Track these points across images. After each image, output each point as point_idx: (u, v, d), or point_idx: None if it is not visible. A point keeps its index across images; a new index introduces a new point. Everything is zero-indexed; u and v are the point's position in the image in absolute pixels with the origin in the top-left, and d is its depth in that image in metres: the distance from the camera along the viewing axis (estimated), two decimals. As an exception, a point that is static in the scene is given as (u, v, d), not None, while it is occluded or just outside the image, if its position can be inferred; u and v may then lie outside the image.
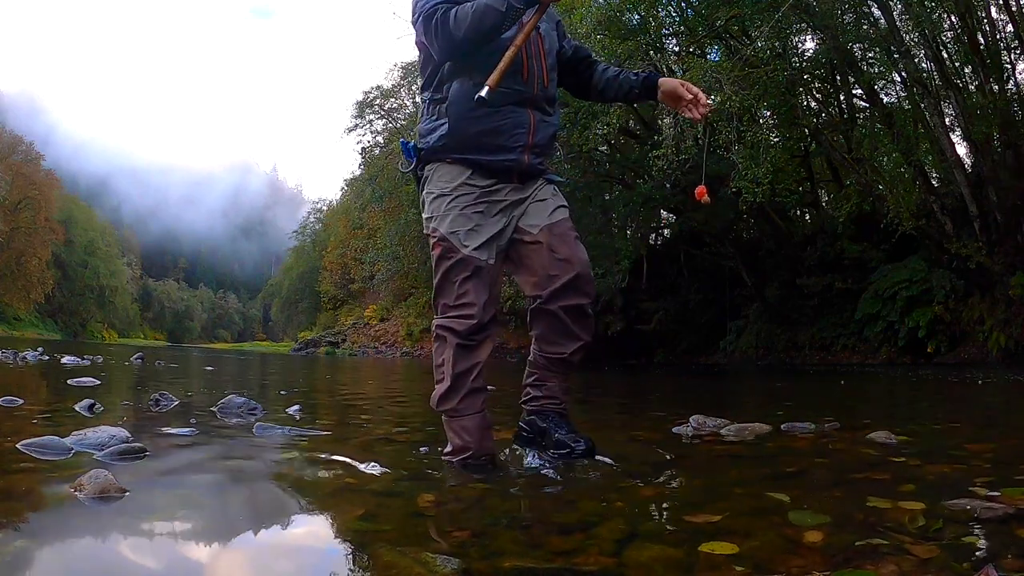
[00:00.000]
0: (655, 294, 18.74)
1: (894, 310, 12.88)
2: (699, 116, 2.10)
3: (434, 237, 1.99)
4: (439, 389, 1.97)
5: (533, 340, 2.09)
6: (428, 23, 1.91)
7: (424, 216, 2.06)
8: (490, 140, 1.97)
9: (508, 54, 1.86)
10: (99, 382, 4.55)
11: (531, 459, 2.00)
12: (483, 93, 1.84)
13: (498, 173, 2.00)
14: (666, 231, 22.58)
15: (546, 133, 2.05)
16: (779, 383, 8.09)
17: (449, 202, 1.97)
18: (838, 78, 15.18)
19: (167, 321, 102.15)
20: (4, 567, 1.02)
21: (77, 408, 2.91)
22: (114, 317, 71.15)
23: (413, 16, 2.00)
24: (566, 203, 2.13)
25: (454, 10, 1.88)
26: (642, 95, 2.21)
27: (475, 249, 1.94)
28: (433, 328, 2.01)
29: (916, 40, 12.58)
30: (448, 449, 1.99)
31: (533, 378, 2.10)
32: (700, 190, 2.23)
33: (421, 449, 2.23)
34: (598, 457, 1.96)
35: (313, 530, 1.34)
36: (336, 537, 1.28)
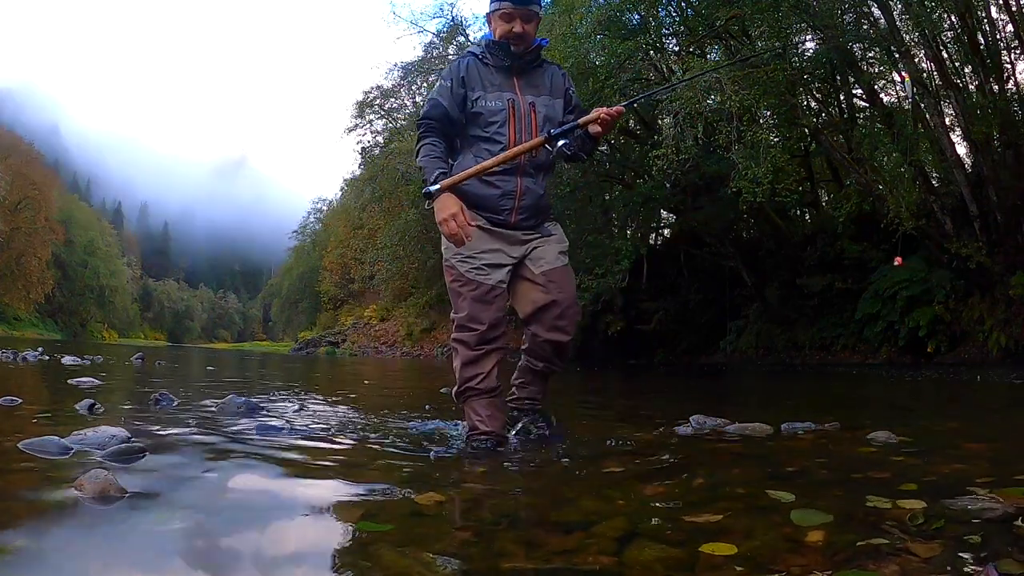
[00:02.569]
0: (655, 294, 18.73)
1: (894, 310, 12.86)
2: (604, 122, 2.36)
3: (447, 265, 2.41)
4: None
5: (523, 350, 2.52)
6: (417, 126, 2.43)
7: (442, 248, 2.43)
8: (484, 203, 2.37)
9: (468, 171, 2.25)
10: (99, 382, 4.55)
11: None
12: (432, 190, 2.22)
13: (496, 225, 2.39)
14: (666, 231, 22.58)
15: (532, 198, 2.40)
16: (779, 383, 8.09)
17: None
18: (838, 78, 15.18)
19: (167, 321, 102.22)
20: (3, 568, 1.02)
21: (77, 408, 2.90)
22: (114, 317, 71.15)
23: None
24: (566, 246, 2.50)
25: (424, 141, 2.36)
26: (585, 138, 2.44)
27: (481, 275, 2.33)
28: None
29: (916, 40, 12.57)
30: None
31: (519, 381, 2.58)
32: None
33: (432, 453, 2.23)
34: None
35: (314, 530, 1.34)
36: (337, 537, 1.28)
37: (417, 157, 2.38)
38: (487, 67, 2.42)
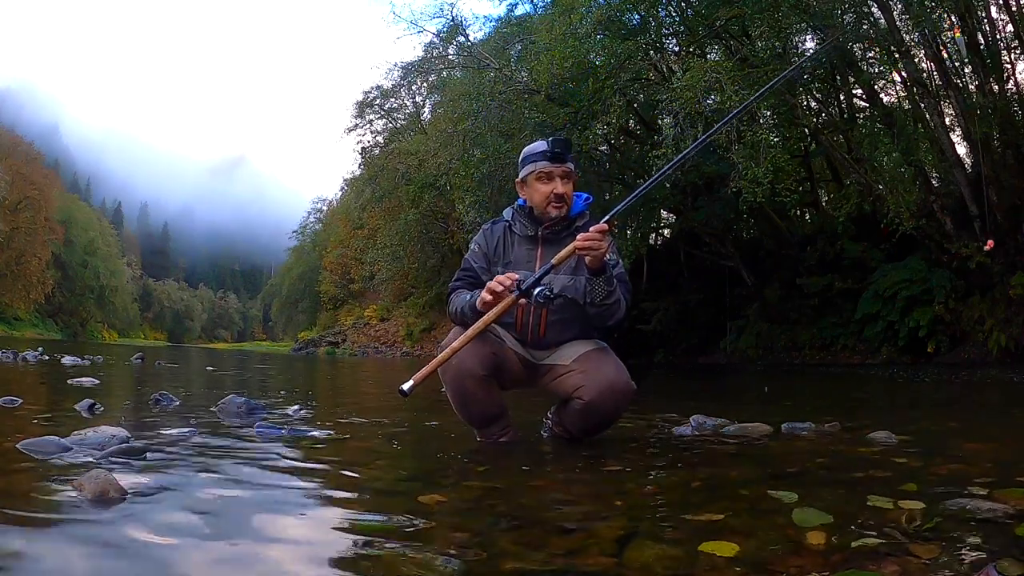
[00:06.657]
0: (655, 294, 18.72)
1: (894, 310, 12.86)
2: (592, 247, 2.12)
3: None
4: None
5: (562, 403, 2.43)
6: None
7: None
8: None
9: (431, 365, 2.12)
10: (99, 382, 4.55)
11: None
12: (405, 388, 2.05)
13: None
14: (666, 231, 22.57)
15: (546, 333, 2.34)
16: (779, 383, 8.09)
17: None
18: (838, 78, 15.17)
19: (167, 321, 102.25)
20: (2, 569, 1.02)
21: (77, 408, 2.91)
22: (114, 317, 71.13)
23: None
24: (597, 345, 2.38)
25: (453, 294, 2.37)
26: (593, 275, 2.22)
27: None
28: None
29: (916, 40, 12.57)
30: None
31: (554, 409, 2.53)
32: None
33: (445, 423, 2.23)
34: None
35: (314, 530, 1.34)
36: (337, 537, 1.28)
37: (450, 307, 2.36)
38: (514, 236, 2.35)
